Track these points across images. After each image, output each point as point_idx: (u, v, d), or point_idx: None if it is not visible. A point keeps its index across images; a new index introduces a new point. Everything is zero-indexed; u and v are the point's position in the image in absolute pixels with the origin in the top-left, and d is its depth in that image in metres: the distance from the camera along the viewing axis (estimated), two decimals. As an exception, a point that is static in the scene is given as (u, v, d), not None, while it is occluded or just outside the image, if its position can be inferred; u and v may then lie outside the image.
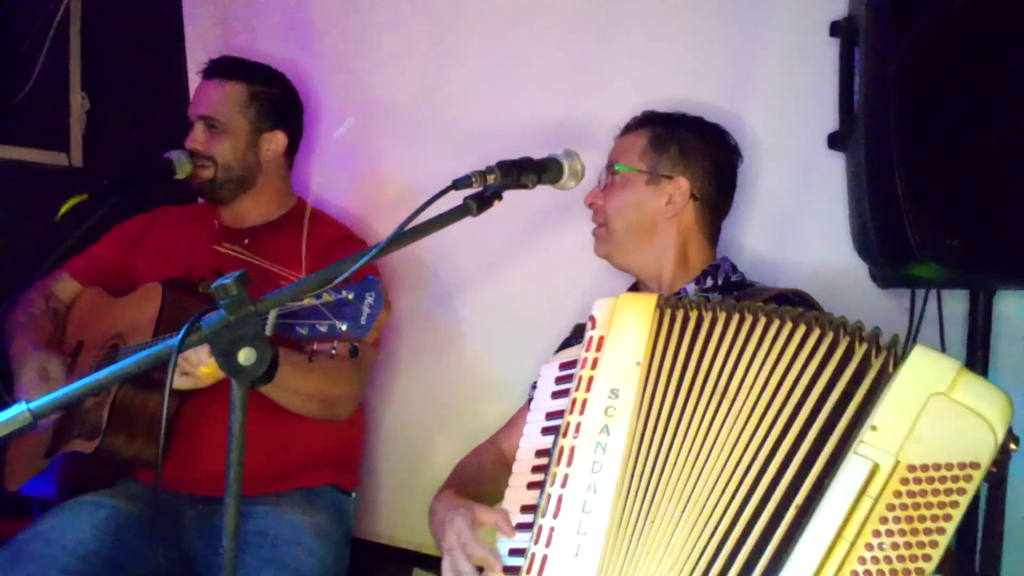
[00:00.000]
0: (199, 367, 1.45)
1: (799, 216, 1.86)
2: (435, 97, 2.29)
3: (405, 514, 2.30)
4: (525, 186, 1.29)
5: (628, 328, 1.33)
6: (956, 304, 1.69)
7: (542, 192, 1.35)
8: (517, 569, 1.28)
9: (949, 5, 1.40)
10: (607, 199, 1.72)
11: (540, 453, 1.41)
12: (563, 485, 1.27)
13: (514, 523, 1.36)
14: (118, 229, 2.19)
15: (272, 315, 1.21)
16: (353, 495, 2.10)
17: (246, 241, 2.05)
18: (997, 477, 1.05)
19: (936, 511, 1.02)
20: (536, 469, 1.39)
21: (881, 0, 1.49)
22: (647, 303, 1.35)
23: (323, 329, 1.14)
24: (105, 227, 2.16)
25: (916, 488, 1.04)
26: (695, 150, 1.71)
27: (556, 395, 1.44)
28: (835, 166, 1.76)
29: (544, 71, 2.12)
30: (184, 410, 1.86)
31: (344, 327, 1.14)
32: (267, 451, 1.87)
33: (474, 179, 1.21)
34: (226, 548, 0.99)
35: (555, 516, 1.25)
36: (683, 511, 1.19)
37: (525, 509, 1.36)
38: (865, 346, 1.19)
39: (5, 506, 2.07)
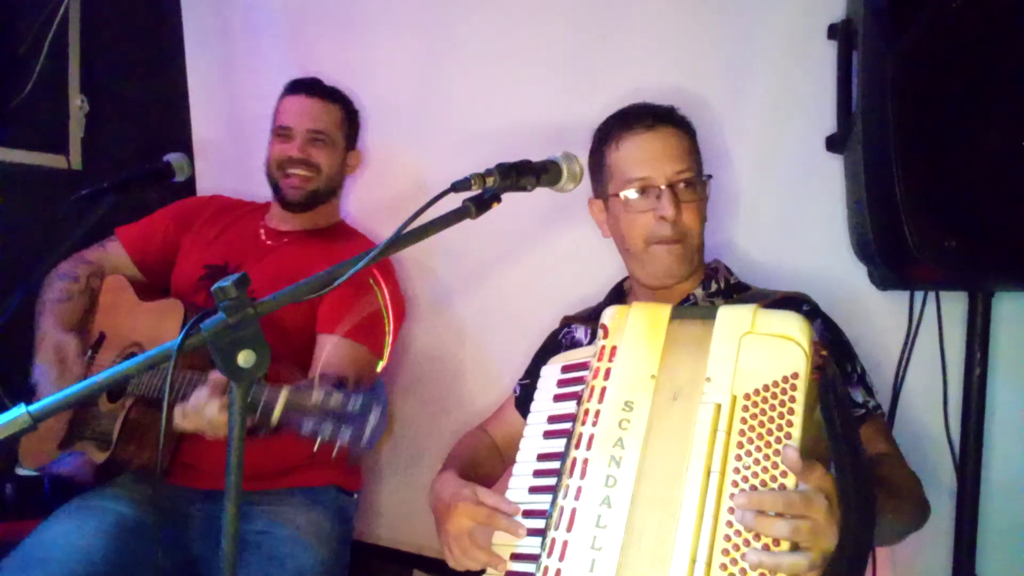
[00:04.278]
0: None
1: (798, 218, 1.86)
2: (434, 100, 2.29)
3: (407, 517, 2.31)
4: (524, 188, 1.29)
5: (642, 338, 1.31)
6: (955, 305, 1.69)
7: (541, 194, 1.35)
8: (519, 574, 1.27)
9: (948, 5, 1.40)
10: (691, 215, 1.60)
11: (542, 457, 1.39)
12: (576, 498, 1.25)
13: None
14: (176, 205, 2.28)
15: (281, 402, 1.29)
16: (355, 496, 2.10)
17: (285, 240, 2.15)
18: (830, 380, 1.19)
19: (779, 421, 1.14)
20: (538, 473, 1.38)
21: (879, 0, 1.49)
22: (661, 314, 1.33)
23: (327, 433, 1.23)
24: (103, 229, 2.17)
25: (755, 410, 1.16)
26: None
27: (559, 398, 1.43)
28: (833, 168, 1.76)
29: (542, 74, 2.12)
30: None
31: (347, 438, 1.23)
32: (269, 447, 1.87)
33: (473, 182, 1.21)
34: (225, 551, 0.99)
35: (568, 530, 1.23)
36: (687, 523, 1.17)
37: (528, 514, 1.34)
38: None
39: (7, 507, 2.07)
